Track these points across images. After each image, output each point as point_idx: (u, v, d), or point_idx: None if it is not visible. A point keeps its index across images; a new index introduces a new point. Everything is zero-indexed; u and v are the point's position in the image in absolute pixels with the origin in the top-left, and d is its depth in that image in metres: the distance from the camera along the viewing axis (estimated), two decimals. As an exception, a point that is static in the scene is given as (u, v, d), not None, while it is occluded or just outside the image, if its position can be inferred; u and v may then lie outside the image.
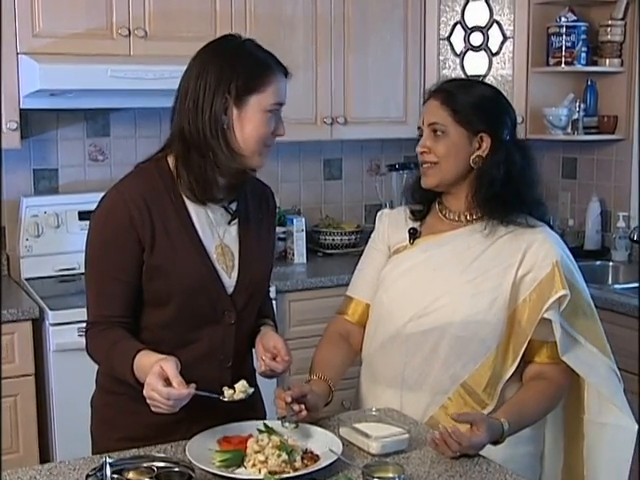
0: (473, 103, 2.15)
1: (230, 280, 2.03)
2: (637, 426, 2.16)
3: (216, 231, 2.03)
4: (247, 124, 1.93)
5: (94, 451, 2.07)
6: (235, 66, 1.92)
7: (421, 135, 2.19)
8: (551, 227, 2.21)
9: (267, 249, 2.16)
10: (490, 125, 2.14)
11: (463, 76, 4.22)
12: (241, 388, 1.91)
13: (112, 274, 1.95)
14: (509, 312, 2.11)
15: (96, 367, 2.09)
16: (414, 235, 2.24)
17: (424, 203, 2.27)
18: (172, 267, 1.95)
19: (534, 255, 2.11)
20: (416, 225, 2.26)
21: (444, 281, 2.15)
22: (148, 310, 2.01)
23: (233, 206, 2.07)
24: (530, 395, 2.10)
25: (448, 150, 2.13)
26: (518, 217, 2.14)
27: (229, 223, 2.06)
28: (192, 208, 2.00)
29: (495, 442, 1.95)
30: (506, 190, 2.13)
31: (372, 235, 2.38)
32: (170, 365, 1.77)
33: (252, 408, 2.14)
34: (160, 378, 1.75)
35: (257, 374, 2.11)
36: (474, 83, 2.31)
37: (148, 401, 1.78)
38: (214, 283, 2.00)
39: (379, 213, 2.39)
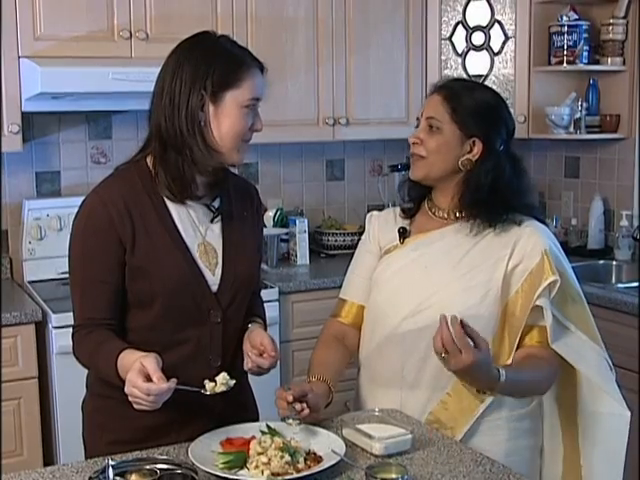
0: (474, 107, 2.16)
1: (214, 277, 2.03)
2: (629, 413, 2.17)
3: (198, 229, 2.03)
4: (224, 120, 1.94)
5: (86, 455, 2.07)
6: (210, 62, 1.93)
7: (418, 126, 2.21)
8: (541, 220, 2.23)
9: (252, 246, 2.15)
10: (485, 132, 2.16)
11: (465, 76, 4.22)
12: (222, 380, 1.90)
13: (95, 276, 1.96)
14: (502, 305, 2.13)
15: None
16: (404, 234, 2.26)
17: (415, 201, 2.29)
18: (154, 267, 1.95)
19: (523, 247, 2.13)
20: (405, 224, 2.28)
21: (436, 278, 2.16)
22: (133, 312, 2.01)
23: (215, 204, 2.07)
24: (526, 364, 2.09)
25: (439, 146, 2.15)
26: (504, 216, 2.16)
27: (212, 221, 2.06)
28: (173, 207, 2.01)
29: (486, 390, 1.96)
30: (492, 197, 2.14)
31: (362, 237, 2.40)
32: (150, 361, 1.77)
33: (244, 408, 2.15)
34: (140, 374, 1.76)
35: (249, 374, 2.10)
36: (480, 87, 2.31)
37: (129, 398, 1.78)
38: (197, 281, 2.00)
39: (368, 215, 2.41)
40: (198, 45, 1.97)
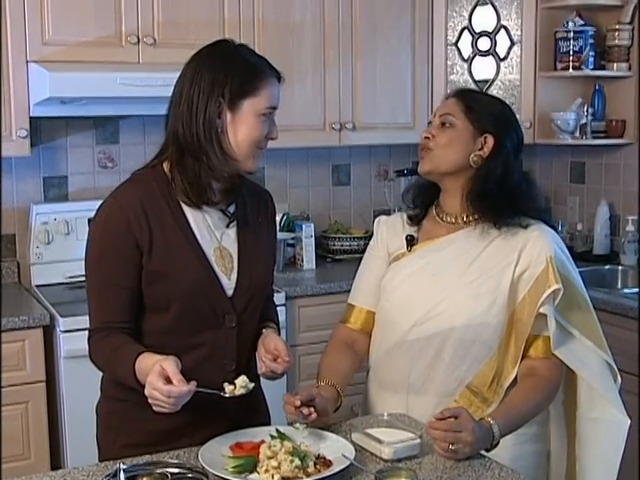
0: (488, 106, 2.22)
1: (229, 282, 2.04)
2: (629, 421, 2.18)
3: (214, 234, 2.04)
4: (241, 128, 1.96)
5: (100, 458, 2.08)
6: (228, 70, 1.94)
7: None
8: (548, 224, 2.23)
9: (267, 252, 2.17)
10: (497, 129, 2.18)
11: (470, 81, 4.24)
12: (241, 383, 1.91)
13: (112, 280, 1.97)
14: (509, 312, 2.13)
15: (106, 374, 2.11)
16: (411, 242, 2.26)
17: (421, 207, 2.30)
18: (170, 271, 1.97)
19: (530, 253, 2.14)
20: (412, 231, 2.29)
21: (444, 285, 2.17)
22: (149, 315, 2.02)
23: (231, 209, 2.08)
24: (520, 394, 2.10)
25: (450, 140, 2.16)
26: (512, 218, 2.17)
27: (227, 226, 2.07)
28: (189, 212, 2.02)
29: (490, 448, 1.95)
30: (500, 192, 2.15)
31: (370, 242, 2.41)
32: (170, 364, 1.78)
33: (256, 412, 2.16)
34: (160, 377, 1.77)
35: (261, 378, 2.11)
36: (490, 95, 2.39)
37: (150, 400, 1.79)
38: (213, 285, 2.01)
39: (376, 220, 2.42)
40: (217, 53, 1.99)
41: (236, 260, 2.06)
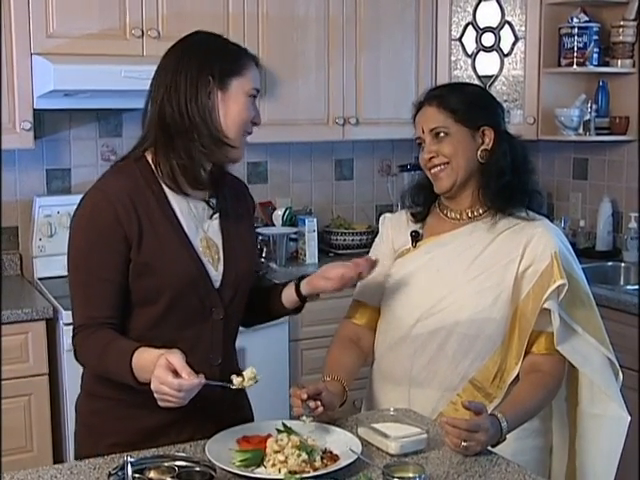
0: (468, 101, 2.19)
1: (217, 273, 2.02)
2: (630, 417, 2.18)
3: (200, 225, 2.02)
4: (231, 107, 1.96)
5: (76, 457, 2.02)
6: (214, 52, 1.96)
7: (420, 144, 2.22)
8: (550, 220, 2.24)
9: (249, 244, 2.15)
10: (489, 118, 2.19)
11: (474, 77, 4.24)
12: (250, 375, 1.87)
13: (99, 274, 1.91)
14: (513, 307, 2.14)
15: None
16: (416, 238, 2.26)
17: (424, 205, 2.30)
18: (160, 262, 1.93)
19: (534, 249, 2.14)
20: (417, 227, 2.29)
21: (448, 281, 2.17)
22: (136, 310, 1.97)
23: (213, 201, 2.07)
24: (525, 389, 2.11)
25: (455, 148, 2.15)
26: (519, 210, 2.18)
27: (211, 217, 2.05)
28: (175, 203, 1.99)
29: (496, 443, 1.95)
30: (514, 179, 2.16)
31: (376, 240, 2.41)
32: (176, 357, 1.74)
33: (241, 410, 2.15)
34: (168, 370, 1.72)
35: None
36: (461, 84, 2.36)
37: (156, 395, 1.74)
38: (202, 277, 1.98)
39: (381, 218, 2.42)
40: (198, 40, 2.01)
41: (222, 250, 2.04)
